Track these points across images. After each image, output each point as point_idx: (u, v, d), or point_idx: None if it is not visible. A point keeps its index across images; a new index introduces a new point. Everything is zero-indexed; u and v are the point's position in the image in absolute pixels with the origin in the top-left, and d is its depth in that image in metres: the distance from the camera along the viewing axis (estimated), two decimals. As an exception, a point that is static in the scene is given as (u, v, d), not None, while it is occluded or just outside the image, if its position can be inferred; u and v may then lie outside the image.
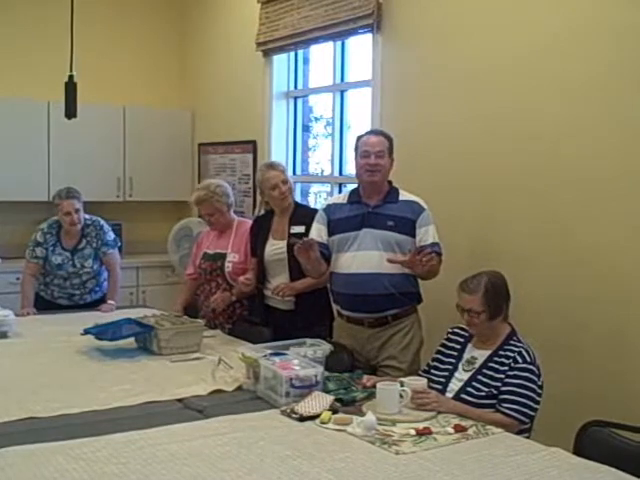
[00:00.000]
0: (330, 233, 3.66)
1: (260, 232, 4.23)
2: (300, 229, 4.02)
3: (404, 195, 3.63)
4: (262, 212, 4.35)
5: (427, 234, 3.54)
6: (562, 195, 3.66)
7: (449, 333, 3.24)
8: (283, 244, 4.05)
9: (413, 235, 3.54)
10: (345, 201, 3.71)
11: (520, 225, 3.85)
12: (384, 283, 3.48)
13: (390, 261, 3.42)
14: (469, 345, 3.12)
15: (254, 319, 4.26)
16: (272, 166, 4.25)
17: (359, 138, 3.67)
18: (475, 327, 3.04)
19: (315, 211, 3.93)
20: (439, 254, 3.55)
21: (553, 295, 3.69)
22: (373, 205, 3.59)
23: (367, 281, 3.49)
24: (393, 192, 3.64)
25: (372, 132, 3.76)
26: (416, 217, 3.55)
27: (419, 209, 3.57)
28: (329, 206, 3.76)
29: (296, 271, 3.94)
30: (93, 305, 4.84)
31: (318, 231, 3.70)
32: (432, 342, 3.46)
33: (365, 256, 3.51)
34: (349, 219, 3.61)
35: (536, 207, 3.78)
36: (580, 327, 3.57)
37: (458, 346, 3.14)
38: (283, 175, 4.14)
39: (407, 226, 3.54)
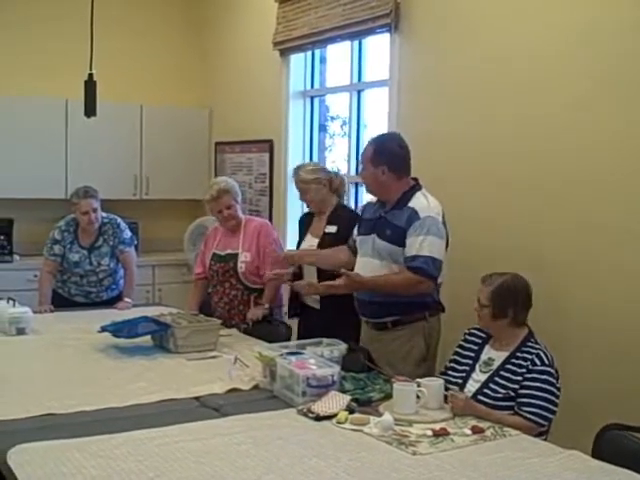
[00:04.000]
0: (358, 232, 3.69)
1: (302, 228, 4.36)
2: (332, 229, 4.09)
3: (414, 200, 3.43)
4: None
5: (412, 245, 3.32)
6: (584, 195, 3.64)
7: (466, 334, 3.23)
8: (316, 242, 4.13)
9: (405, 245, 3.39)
10: (375, 200, 3.67)
11: (541, 226, 3.83)
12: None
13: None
14: (486, 346, 3.11)
15: (271, 318, 4.29)
16: (297, 171, 4.35)
17: None
18: (480, 319, 3.09)
19: (352, 212, 3.99)
20: (417, 269, 3.30)
21: (576, 297, 3.67)
22: (386, 210, 3.51)
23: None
24: (407, 195, 3.46)
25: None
26: (408, 226, 3.35)
27: (412, 218, 3.35)
28: (364, 205, 3.80)
29: (325, 271, 3.94)
30: (109, 303, 4.87)
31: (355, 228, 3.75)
32: (449, 344, 3.45)
33: (365, 262, 3.50)
34: (367, 222, 3.60)
35: (555, 208, 3.76)
36: (599, 329, 3.55)
37: (475, 347, 3.14)
38: (304, 184, 4.23)
39: (400, 236, 3.37)
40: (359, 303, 3.62)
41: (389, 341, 3.52)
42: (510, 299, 3.02)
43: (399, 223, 3.40)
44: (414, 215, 3.36)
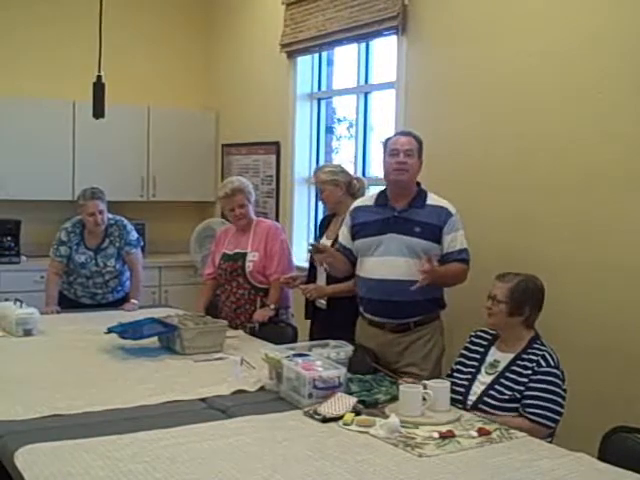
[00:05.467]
0: (354, 237, 3.65)
1: (320, 230, 4.37)
2: None
3: (432, 199, 3.58)
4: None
5: (455, 241, 3.51)
6: (590, 196, 3.63)
7: (472, 336, 3.23)
8: (329, 244, 4.09)
9: (439, 242, 3.50)
10: (372, 203, 3.68)
11: (547, 227, 3.83)
12: (409, 290, 3.41)
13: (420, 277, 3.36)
14: (492, 348, 3.12)
15: (277, 320, 4.30)
16: (317, 171, 4.35)
17: (388, 139, 3.66)
18: (492, 316, 3.06)
19: None
20: (465, 261, 3.52)
21: (581, 298, 3.66)
22: (399, 209, 3.55)
23: (392, 288, 3.46)
24: (421, 195, 3.58)
25: (402, 133, 3.76)
26: (442, 224, 3.50)
27: (446, 215, 3.52)
28: (356, 209, 3.73)
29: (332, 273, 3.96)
30: (115, 304, 4.87)
31: (343, 235, 3.71)
32: (455, 345, 3.46)
33: (390, 262, 3.48)
34: (374, 223, 3.58)
35: (563, 208, 3.76)
36: (607, 331, 3.53)
37: (481, 349, 3.14)
38: (321, 184, 4.22)
39: (433, 233, 3.49)
40: (375, 304, 3.57)
41: (409, 342, 3.55)
42: (528, 297, 3.05)
43: (430, 220, 3.50)
44: (448, 213, 3.53)
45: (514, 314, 3.03)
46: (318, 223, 4.80)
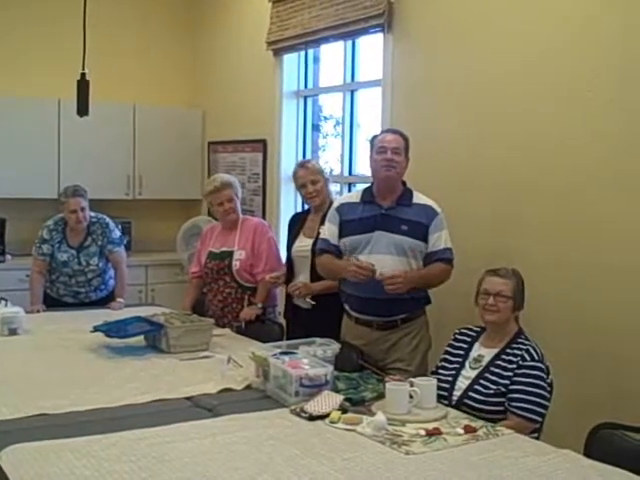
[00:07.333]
0: (342, 234, 3.63)
1: (293, 228, 4.30)
2: None
3: (418, 198, 3.59)
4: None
5: (439, 240, 3.52)
6: (577, 196, 3.64)
7: (456, 334, 3.25)
8: (310, 242, 4.06)
9: (426, 240, 3.52)
10: (358, 200, 3.66)
11: (533, 227, 3.83)
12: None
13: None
14: (476, 344, 3.14)
15: (264, 318, 4.29)
16: (303, 165, 4.29)
17: (375, 136, 3.66)
18: (498, 313, 3.05)
19: None
20: (449, 260, 3.54)
21: (567, 298, 3.67)
22: (386, 207, 3.55)
23: (379, 285, 3.46)
24: (407, 194, 3.60)
25: (389, 130, 3.77)
26: (429, 222, 3.52)
27: (433, 214, 3.54)
28: (342, 205, 3.70)
29: (317, 271, 3.94)
30: (98, 303, 4.85)
31: (331, 232, 3.66)
32: (440, 343, 3.46)
33: (377, 260, 3.46)
34: (362, 220, 3.57)
35: (549, 208, 3.76)
36: (594, 329, 3.54)
37: (465, 345, 3.16)
38: (312, 175, 4.14)
39: (420, 231, 3.51)
40: (363, 302, 3.56)
41: (396, 339, 3.57)
42: (523, 290, 3.12)
43: (417, 219, 3.51)
44: (434, 212, 3.55)
45: (517, 309, 3.09)
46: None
